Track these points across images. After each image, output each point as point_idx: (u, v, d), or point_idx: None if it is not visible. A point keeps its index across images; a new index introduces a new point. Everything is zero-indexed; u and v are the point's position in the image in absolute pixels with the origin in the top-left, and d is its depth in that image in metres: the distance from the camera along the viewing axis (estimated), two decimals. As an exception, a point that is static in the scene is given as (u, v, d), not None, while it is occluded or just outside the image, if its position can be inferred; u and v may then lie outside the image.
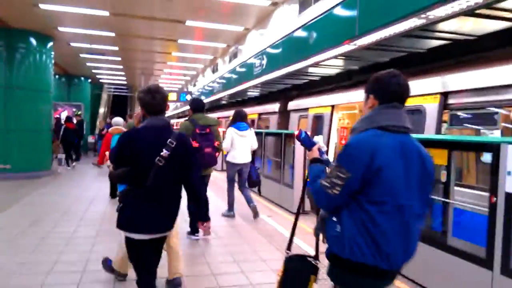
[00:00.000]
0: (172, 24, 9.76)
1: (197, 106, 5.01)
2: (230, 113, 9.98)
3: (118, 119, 6.46)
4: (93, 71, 17.73)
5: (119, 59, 14.96)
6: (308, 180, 2.01)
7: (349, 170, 1.64)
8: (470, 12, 3.79)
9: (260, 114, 11.92)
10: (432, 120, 4.83)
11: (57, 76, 16.35)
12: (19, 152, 9.99)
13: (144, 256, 2.50)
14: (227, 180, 6.14)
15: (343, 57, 6.44)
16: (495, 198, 2.93)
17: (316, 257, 2.09)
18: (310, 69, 7.86)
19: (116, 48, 12.98)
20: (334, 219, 1.73)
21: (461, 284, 3.27)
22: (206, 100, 16.16)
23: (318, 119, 8.08)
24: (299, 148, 6.47)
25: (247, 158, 6.06)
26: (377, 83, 1.81)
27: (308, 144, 2.05)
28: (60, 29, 10.21)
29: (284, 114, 10.09)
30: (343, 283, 1.78)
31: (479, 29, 4.71)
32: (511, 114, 4.36)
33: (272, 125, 10.70)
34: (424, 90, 5.03)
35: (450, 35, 4.90)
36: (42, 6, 8.20)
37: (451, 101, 4.73)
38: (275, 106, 10.56)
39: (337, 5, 5.51)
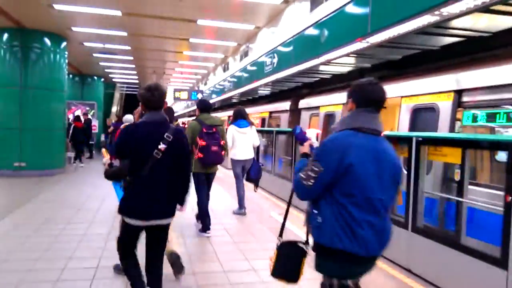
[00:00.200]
0: (183, 23, 9.82)
1: (204, 106, 5.20)
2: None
3: (129, 116, 6.85)
4: (106, 70, 17.94)
5: (131, 58, 15.10)
6: None
7: (322, 165, 1.85)
8: (485, 9, 3.73)
9: (271, 113, 11.91)
10: (446, 118, 4.76)
11: (70, 76, 16.60)
12: (34, 150, 10.16)
13: (134, 241, 2.78)
14: (234, 176, 6.33)
15: (355, 55, 6.39)
16: (510, 197, 2.89)
17: (306, 242, 2.20)
18: (322, 67, 7.83)
19: (128, 48, 13.11)
20: (315, 211, 1.94)
21: (475, 284, 3.23)
22: (217, 98, 16.23)
23: (329, 117, 8.04)
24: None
25: (249, 155, 6.21)
26: (357, 89, 2.01)
27: (301, 139, 2.26)
28: (74, 29, 10.35)
29: (295, 113, 10.06)
30: (326, 270, 1.97)
31: (494, 26, 4.63)
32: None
33: (283, 123, 10.67)
34: (437, 88, 4.96)
35: (464, 32, 4.83)
36: (56, 6, 8.33)
37: (465, 99, 4.66)
38: (286, 105, 10.53)
39: (349, 2, 5.48)
